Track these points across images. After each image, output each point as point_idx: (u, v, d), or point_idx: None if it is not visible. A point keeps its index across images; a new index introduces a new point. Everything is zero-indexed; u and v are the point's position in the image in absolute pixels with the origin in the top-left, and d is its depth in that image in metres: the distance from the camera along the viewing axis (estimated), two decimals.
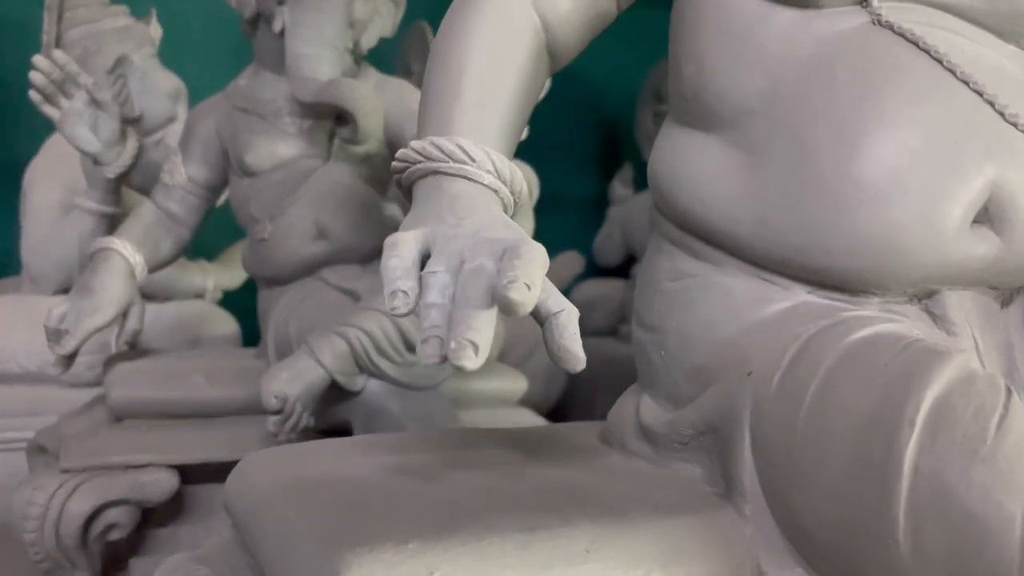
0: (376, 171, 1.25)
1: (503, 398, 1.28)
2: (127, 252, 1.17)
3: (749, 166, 0.54)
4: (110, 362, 1.23)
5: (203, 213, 1.28)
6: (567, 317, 0.49)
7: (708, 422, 0.54)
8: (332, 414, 1.10)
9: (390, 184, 1.28)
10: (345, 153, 1.22)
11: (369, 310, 1.06)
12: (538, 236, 1.48)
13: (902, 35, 0.51)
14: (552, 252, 1.88)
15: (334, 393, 1.06)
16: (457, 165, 0.53)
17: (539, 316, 0.51)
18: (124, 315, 1.17)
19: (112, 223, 1.51)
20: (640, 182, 2.16)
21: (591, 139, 2.38)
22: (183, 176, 1.26)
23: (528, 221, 1.07)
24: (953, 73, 0.50)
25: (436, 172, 0.53)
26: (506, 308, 0.42)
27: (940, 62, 0.50)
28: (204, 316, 1.69)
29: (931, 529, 0.43)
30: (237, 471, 0.63)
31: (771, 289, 0.54)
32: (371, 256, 1.22)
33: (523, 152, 1.61)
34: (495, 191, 0.54)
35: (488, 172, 0.53)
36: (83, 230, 1.53)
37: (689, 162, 0.57)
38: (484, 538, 0.44)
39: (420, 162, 0.54)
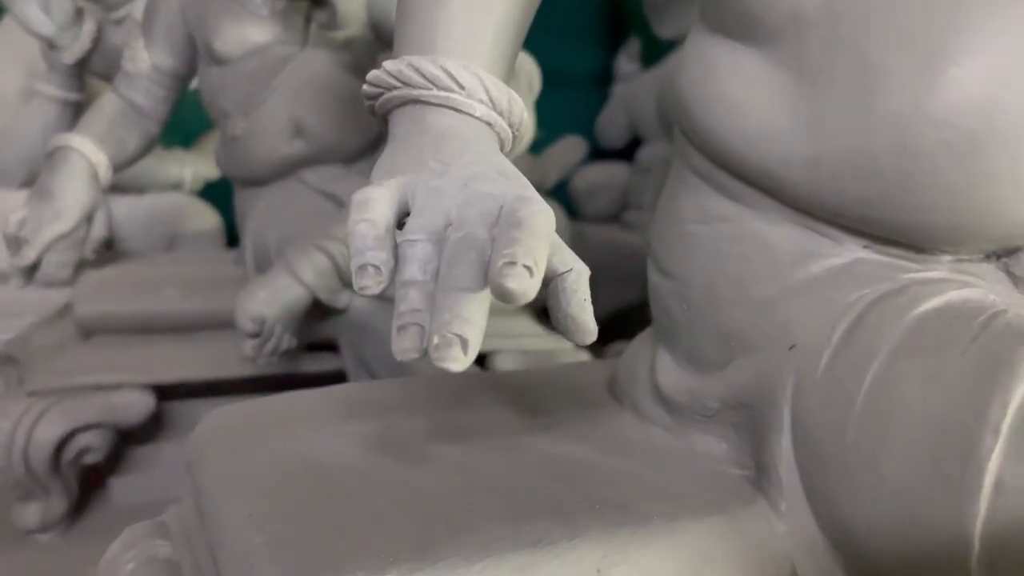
0: (359, 58, 1.13)
1: (501, 307, 1.20)
2: (88, 150, 1.06)
3: (802, 94, 0.44)
4: (79, 268, 1.14)
5: (171, 104, 1.16)
6: (575, 280, 0.41)
7: (738, 398, 0.47)
8: (316, 331, 1.02)
9: None
10: (323, 39, 1.10)
11: None
12: (536, 117, 1.37)
13: None
14: (552, 135, 1.77)
15: (317, 310, 0.98)
16: (442, 93, 0.43)
17: (544, 276, 0.43)
18: (89, 220, 1.08)
19: (78, 111, 1.39)
20: (648, 57, 2.01)
21: (594, 9, 2.21)
22: (146, 63, 1.13)
23: (531, 114, 0.96)
24: None
25: (416, 101, 0.44)
26: (501, 297, 0.34)
27: None
28: (182, 210, 1.59)
29: (1012, 558, 0.35)
30: (199, 432, 0.55)
31: (819, 242, 0.45)
32: (355, 155, 1.12)
33: None
34: (490, 124, 0.44)
35: (480, 102, 0.43)
36: (46, 119, 1.41)
37: (726, 83, 0.47)
38: (477, 561, 0.37)
39: (397, 88, 0.44)
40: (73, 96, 1.40)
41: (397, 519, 0.40)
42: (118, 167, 1.12)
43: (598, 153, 2.03)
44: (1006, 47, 0.39)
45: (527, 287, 0.33)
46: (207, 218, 1.61)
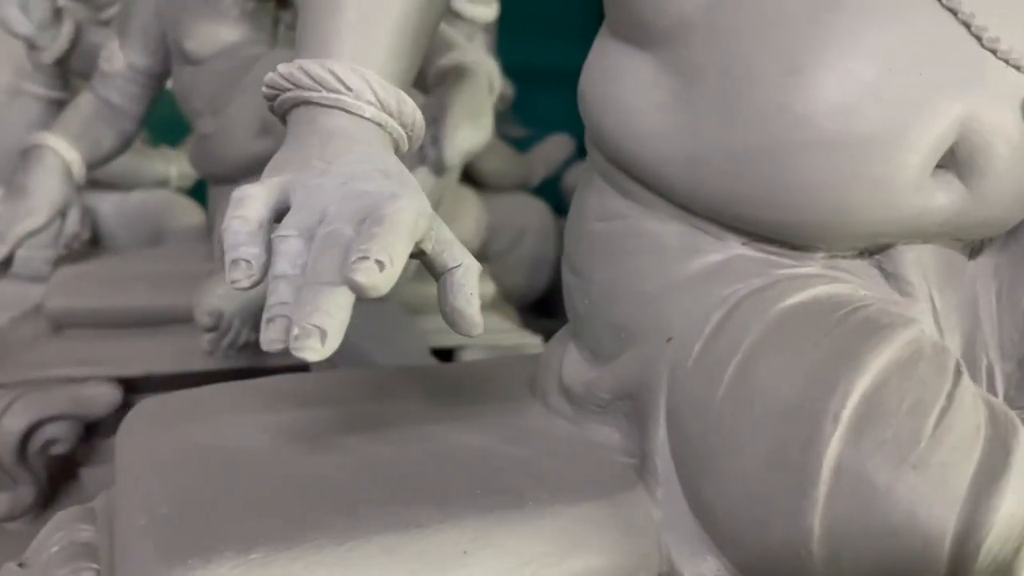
0: None
1: None
2: (61, 148, 1.09)
3: (683, 95, 0.45)
4: (57, 264, 1.17)
5: (147, 102, 1.19)
6: (463, 275, 0.43)
7: (625, 389, 0.48)
8: None
9: None
10: (291, 38, 1.12)
11: None
12: (526, 114, 1.38)
13: None
14: (541, 132, 1.78)
15: None
16: (331, 95, 0.45)
17: (434, 271, 0.45)
18: (63, 216, 1.11)
19: (62, 109, 1.42)
20: None
21: (583, 7, 2.22)
22: (122, 63, 1.16)
23: (486, 118, 0.98)
24: None
25: (308, 102, 0.45)
26: (354, 291, 0.35)
27: None
28: (169, 206, 1.61)
29: (849, 543, 0.37)
30: (127, 422, 0.58)
31: (702, 239, 0.47)
32: None
33: (508, 20, 1.50)
34: (380, 125, 0.46)
35: (369, 103, 0.45)
36: (31, 117, 1.44)
37: (619, 85, 0.49)
38: (345, 542, 0.39)
39: (289, 90, 0.46)
40: (56, 95, 1.42)
41: (281, 503, 0.42)
42: (93, 165, 1.14)
43: (586, 153, 2.04)
44: (868, 53, 0.41)
45: (376, 281, 0.35)
46: (193, 215, 1.63)
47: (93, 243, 1.42)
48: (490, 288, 1.22)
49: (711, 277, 0.46)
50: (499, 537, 0.41)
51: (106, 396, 1.00)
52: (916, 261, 0.45)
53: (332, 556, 0.38)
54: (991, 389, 0.47)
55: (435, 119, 0.99)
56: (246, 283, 0.39)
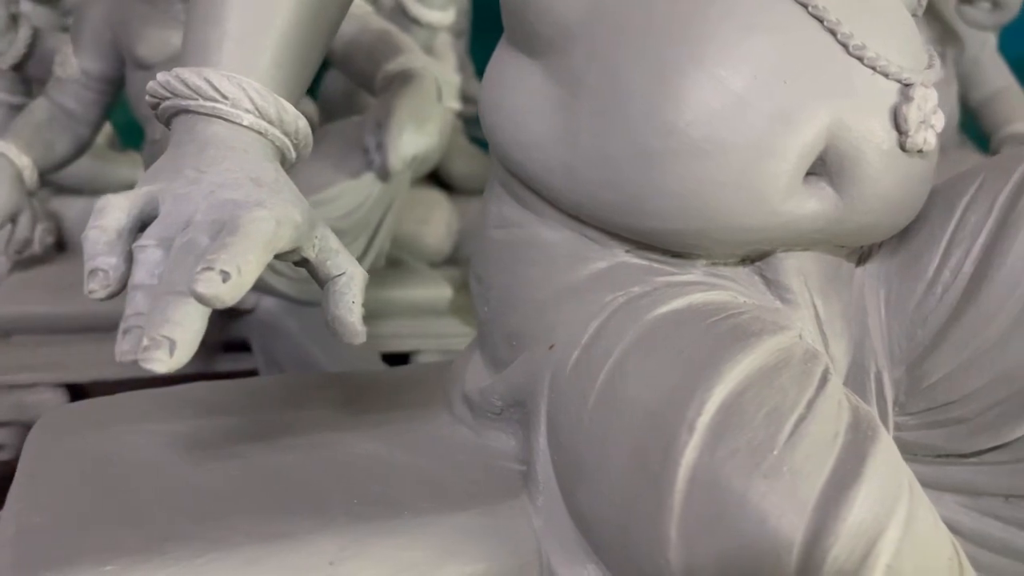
0: None
1: (427, 307, 1.22)
2: (12, 154, 1.09)
3: (565, 104, 0.45)
4: (12, 269, 1.17)
5: (102, 108, 1.19)
6: (345, 284, 0.43)
7: (515, 396, 0.48)
8: (228, 330, 1.05)
9: None
10: None
11: None
12: None
13: None
14: None
15: (228, 310, 1.00)
16: (208, 103, 0.45)
17: (318, 279, 0.45)
18: (13, 222, 1.10)
19: None
20: None
21: None
22: (75, 68, 1.16)
23: (432, 123, 0.98)
24: None
25: (187, 111, 0.45)
26: (198, 300, 0.35)
27: None
28: None
29: (703, 552, 0.37)
30: (34, 430, 0.57)
31: (589, 247, 0.47)
32: None
33: (482, 25, 1.49)
34: (260, 133, 0.46)
35: (247, 111, 0.45)
36: None
37: (510, 92, 0.49)
38: (205, 553, 0.39)
39: (168, 98, 0.46)
40: (18, 100, 1.42)
41: (155, 514, 0.42)
42: (46, 170, 1.14)
43: None
44: (735, 61, 0.41)
45: (219, 291, 0.35)
46: None
47: (59, 248, 1.42)
48: (447, 292, 1.22)
49: (594, 285, 0.46)
50: (370, 547, 0.41)
51: (51, 402, 1.00)
52: (797, 268, 0.45)
53: (188, 569, 0.38)
54: (880, 395, 0.47)
55: (379, 124, 0.99)
56: (102, 293, 0.38)
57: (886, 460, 0.37)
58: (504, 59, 0.50)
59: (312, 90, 1.20)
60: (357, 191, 1.00)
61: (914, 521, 0.36)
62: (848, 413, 0.39)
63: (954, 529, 0.48)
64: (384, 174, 1.00)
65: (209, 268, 0.35)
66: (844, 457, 0.37)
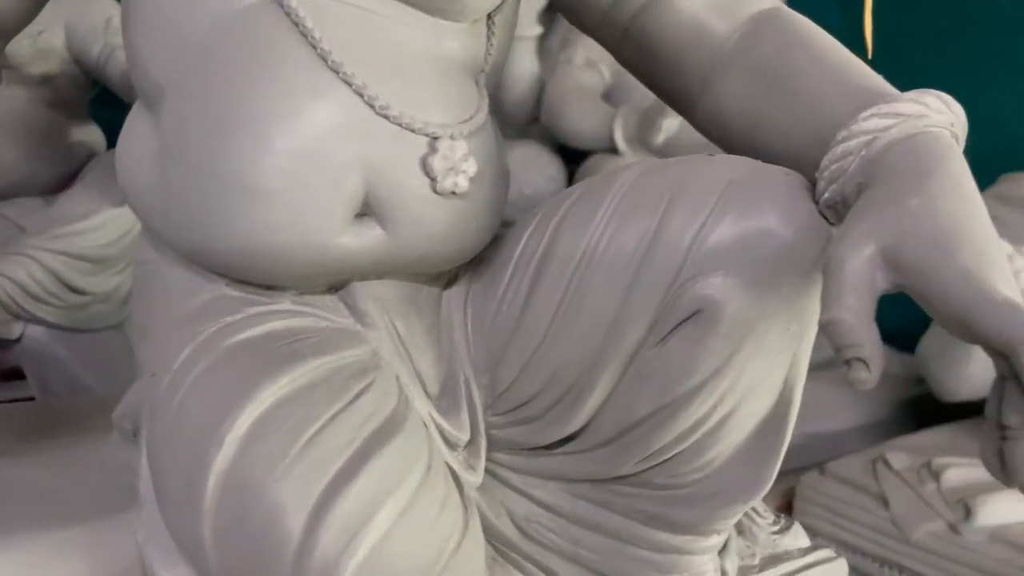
0: (61, 93, 1.18)
1: None
2: None
3: (159, 153, 0.50)
4: None
5: None
6: None
7: (135, 421, 0.53)
8: (3, 360, 1.06)
9: (81, 105, 1.22)
10: (19, 76, 1.14)
11: (15, 255, 1.01)
12: None
13: (288, 16, 0.47)
14: None
15: None
16: None
17: None
18: None
19: None
20: None
21: None
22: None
23: None
24: (325, 61, 0.46)
25: None
26: None
27: (315, 47, 0.47)
28: None
29: (232, 552, 0.42)
30: None
31: (198, 282, 0.52)
32: (54, 187, 1.16)
33: None
34: None
35: None
36: None
37: (127, 141, 0.54)
38: None
39: None
40: None
41: None
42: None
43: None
44: (277, 118, 0.46)
45: None
46: None
47: None
48: None
49: (196, 316, 0.51)
50: None
51: None
52: (372, 295, 0.51)
53: None
54: (470, 399, 0.53)
55: None
56: None
57: (391, 461, 0.43)
58: (134, 110, 0.55)
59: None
60: (121, 220, 1.03)
61: (412, 510, 0.43)
62: (379, 422, 0.45)
63: (556, 511, 0.55)
64: None
65: None
66: (351, 460, 0.43)
